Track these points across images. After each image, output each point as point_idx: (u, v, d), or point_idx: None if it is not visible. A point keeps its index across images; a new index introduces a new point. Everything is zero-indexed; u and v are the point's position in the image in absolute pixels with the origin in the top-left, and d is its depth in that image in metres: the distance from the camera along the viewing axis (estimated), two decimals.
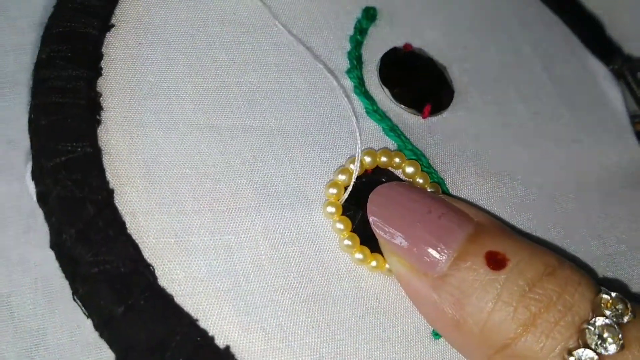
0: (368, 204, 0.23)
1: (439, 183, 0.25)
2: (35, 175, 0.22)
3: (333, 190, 0.24)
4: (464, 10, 0.31)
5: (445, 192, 0.25)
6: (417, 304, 0.22)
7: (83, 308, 0.21)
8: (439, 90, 0.27)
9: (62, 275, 0.29)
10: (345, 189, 0.24)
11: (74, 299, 0.22)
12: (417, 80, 0.27)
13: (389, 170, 0.25)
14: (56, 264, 0.30)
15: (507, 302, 0.20)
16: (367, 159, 0.24)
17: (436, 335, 0.23)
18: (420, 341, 0.23)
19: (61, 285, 0.30)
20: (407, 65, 0.27)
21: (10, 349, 0.29)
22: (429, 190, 0.24)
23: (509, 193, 0.26)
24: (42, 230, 0.30)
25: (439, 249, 0.21)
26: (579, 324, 0.20)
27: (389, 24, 0.28)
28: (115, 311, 0.21)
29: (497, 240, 0.21)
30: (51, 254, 0.30)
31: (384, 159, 0.25)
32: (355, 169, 0.24)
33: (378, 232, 0.22)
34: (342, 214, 0.24)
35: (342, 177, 0.24)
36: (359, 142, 0.24)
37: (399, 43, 0.28)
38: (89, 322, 0.30)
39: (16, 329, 0.29)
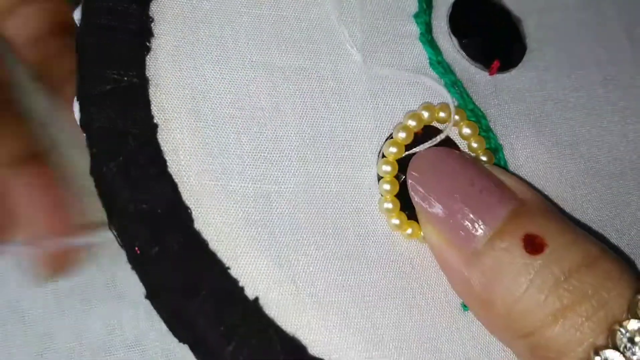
0: (409, 167, 0.22)
1: (496, 149, 0.24)
2: (80, 101, 0.22)
3: (393, 149, 0.22)
4: None
5: (501, 160, 0.24)
6: (447, 276, 0.22)
7: (118, 239, 0.21)
8: (511, 45, 0.26)
9: (71, 278, 0.30)
10: (405, 147, 0.23)
11: (110, 228, 0.21)
12: (488, 32, 0.25)
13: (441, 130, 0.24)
14: None
15: (539, 289, 0.19)
16: (425, 114, 0.23)
17: (465, 307, 0.22)
18: (449, 311, 0.22)
19: (70, 289, 0.30)
20: (480, 14, 0.25)
21: (20, 352, 0.29)
22: (482, 158, 0.23)
23: (568, 166, 0.25)
24: None
25: (476, 225, 0.20)
26: (611, 323, 0.19)
27: None
28: (149, 251, 0.20)
29: (538, 222, 0.20)
30: None
31: (442, 114, 0.23)
32: (449, 126, 0.23)
33: (415, 198, 0.22)
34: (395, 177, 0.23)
35: (402, 135, 0.23)
36: (448, 97, 0.23)
37: None
38: (98, 326, 0.31)
39: (26, 333, 0.29)
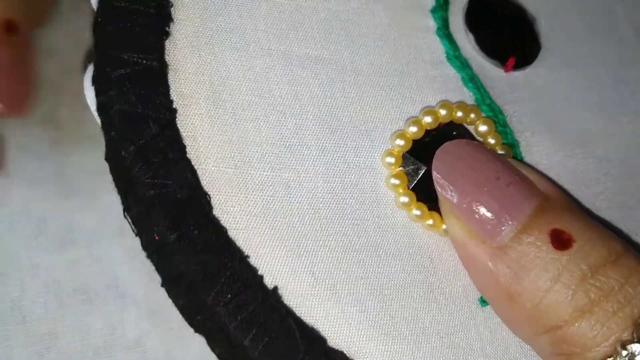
0: (434, 159, 0.22)
1: (512, 145, 0.24)
2: (97, 84, 0.21)
3: (400, 142, 0.22)
4: None
5: (518, 156, 0.24)
6: (469, 269, 0.22)
7: (133, 226, 0.21)
8: (526, 43, 0.26)
9: (73, 278, 0.29)
10: (414, 142, 0.23)
11: (124, 216, 0.21)
12: (504, 29, 0.26)
13: (461, 125, 0.24)
14: (67, 268, 0.30)
15: (567, 284, 0.20)
16: (443, 112, 0.23)
17: (483, 302, 0.22)
18: (467, 306, 0.22)
19: (72, 289, 0.30)
20: (497, 11, 0.26)
21: (22, 352, 0.29)
22: (499, 152, 0.23)
23: (581, 165, 0.25)
24: (52, 234, 0.30)
25: (503, 219, 0.20)
26: (637, 318, 0.19)
27: None
28: (167, 237, 0.20)
29: (564, 218, 0.21)
30: (62, 258, 0.31)
31: (460, 114, 0.23)
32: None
33: (440, 191, 0.21)
34: (405, 168, 0.23)
35: (412, 129, 0.23)
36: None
37: None
38: (100, 326, 0.30)
39: (27, 333, 0.29)
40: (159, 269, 0.20)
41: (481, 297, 0.22)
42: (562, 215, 0.21)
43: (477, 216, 0.21)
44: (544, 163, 0.25)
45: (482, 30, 0.25)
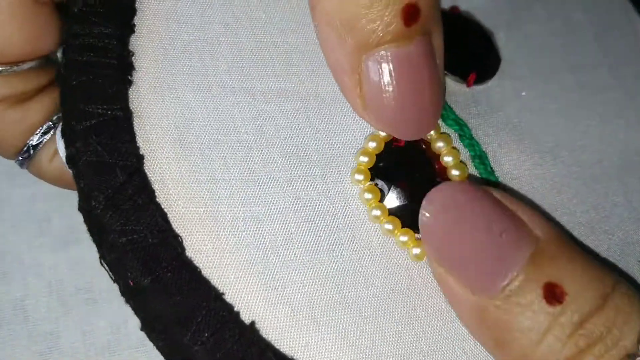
0: (421, 209, 0.21)
1: (481, 157, 0.24)
2: (65, 137, 0.22)
3: (364, 159, 0.23)
4: None
5: (487, 167, 0.24)
6: (457, 312, 0.22)
7: (110, 273, 0.21)
8: (485, 57, 0.26)
9: (76, 278, 0.29)
10: (377, 156, 0.23)
11: (101, 263, 0.21)
12: (462, 46, 0.26)
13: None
14: (69, 267, 0.30)
15: (558, 337, 0.20)
16: (383, 133, 0.23)
17: None
18: (451, 321, 0.22)
19: (75, 288, 0.30)
20: (453, 29, 0.25)
21: (25, 352, 0.29)
22: (454, 172, 0.23)
23: (550, 171, 0.25)
24: (55, 234, 0.30)
25: (494, 272, 0.20)
26: (624, 356, 0.20)
27: None
28: (142, 282, 0.20)
29: (556, 264, 0.20)
30: (64, 257, 0.31)
31: None
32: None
33: (427, 243, 0.21)
34: (374, 184, 0.23)
35: (372, 145, 0.23)
36: None
37: (446, 5, 0.27)
38: (102, 325, 0.30)
39: (30, 333, 0.29)
40: (136, 314, 0.21)
41: None
42: (555, 261, 0.20)
43: (466, 271, 0.21)
44: (514, 173, 0.25)
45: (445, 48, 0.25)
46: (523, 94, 0.26)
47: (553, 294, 0.20)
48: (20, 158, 0.26)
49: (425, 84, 0.21)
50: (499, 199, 0.21)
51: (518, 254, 0.20)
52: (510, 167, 0.25)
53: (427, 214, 0.21)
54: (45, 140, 0.26)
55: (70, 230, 0.30)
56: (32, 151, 0.26)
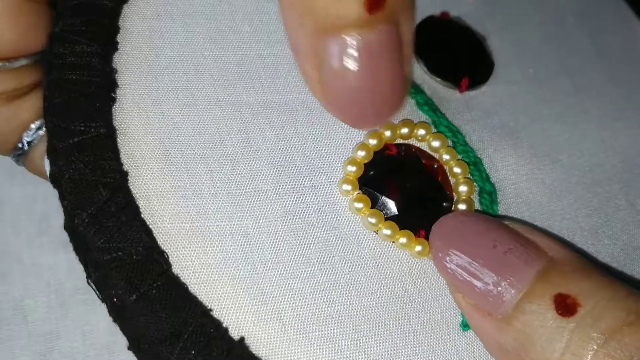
0: (431, 237, 0.21)
1: (476, 163, 0.24)
2: (49, 156, 0.22)
3: (351, 168, 0.22)
4: None
5: (483, 173, 0.24)
6: (482, 340, 0.21)
7: (97, 292, 0.21)
8: (478, 62, 0.26)
9: (75, 278, 0.29)
10: (365, 165, 0.23)
11: (88, 282, 0.21)
12: (454, 52, 0.26)
13: (410, 144, 0.24)
14: (69, 268, 0.30)
15: (576, 355, 0.18)
16: (387, 133, 0.23)
17: (465, 326, 0.22)
18: (448, 332, 0.22)
19: (74, 289, 0.30)
20: (444, 35, 0.25)
21: (25, 352, 0.29)
22: (455, 169, 0.23)
23: (549, 175, 0.25)
24: (55, 234, 0.30)
25: (502, 289, 0.20)
26: None
27: None
28: (127, 299, 0.20)
29: (570, 279, 0.19)
30: (64, 258, 0.30)
31: (404, 130, 0.23)
32: None
33: (441, 268, 0.21)
34: (363, 193, 0.23)
35: (361, 154, 0.23)
36: None
37: (437, 11, 0.26)
38: (102, 326, 0.30)
39: (30, 333, 0.29)
40: (123, 332, 0.21)
41: (462, 321, 0.22)
42: (569, 276, 0.20)
43: (477, 290, 0.20)
44: (512, 178, 0.24)
45: (432, 55, 0.25)
46: (519, 97, 0.26)
47: (564, 305, 0.19)
48: (16, 155, 0.26)
49: (386, 74, 0.21)
50: (508, 225, 0.21)
51: (524, 270, 0.20)
52: (508, 173, 0.24)
53: (437, 241, 0.21)
54: (38, 136, 0.26)
55: None
56: (26, 147, 0.26)
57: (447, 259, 0.21)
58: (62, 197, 0.21)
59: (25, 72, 0.25)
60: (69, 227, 0.21)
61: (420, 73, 0.25)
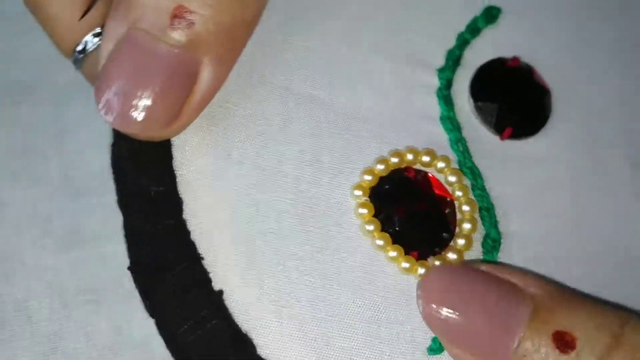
0: (418, 295, 0.22)
1: (488, 208, 0.24)
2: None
3: (367, 177, 0.24)
4: (602, 31, 0.27)
5: (492, 218, 0.24)
6: None
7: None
8: (532, 113, 0.25)
9: (78, 279, 0.29)
10: (381, 178, 0.24)
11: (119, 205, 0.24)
12: (510, 98, 0.25)
13: (428, 173, 0.24)
14: (72, 269, 0.30)
15: None
16: (409, 156, 0.24)
17: (432, 351, 0.23)
18: (412, 352, 0.23)
19: (77, 290, 0.30)
20: (506, 79, 0.25)
21: (27, 353, 0.29)
22: (464, 207, 0.24)
23: (567, 244, 0.24)
24: (58, 235, 0.30)
25: (502, 340, 0.21)
26: None
27: (509, 29, 0.26)
28: (141, 227, 0.23)
29: (559, 314, 0.21)
30: (66, 259, 0.30)
31: (425, 158, 0.24)
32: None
33: (432, 329, 0.22)
34: (369, 202, 0.24)
35: (379, 167, 0.24)
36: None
37: (511, 53, 0.26)
38: (105, 327, 0.30)
39: (33, 334, 0.29)
40: (128, 252, 0.23)
41: (431, 346, 0.22)
42: (557, 311, 0.21)
43: (479, 347, 0.21)
44: (524, 234, 0.24)
45: (486, 96, 0.25)
46: (561, 160, 0.25)
47: (563, 342, 0.20)
48: (76, 55, 0.26)
49: (157, 96, 0.21)
50: (488, 271, 0.22)
51: (518, 315, 0.21)
52: (520, 228, 0.24)
53: (423, 304, 0.22)
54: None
55: (73, 231, 0.30)
56: (89, 47, 0.26)
57: (438, 316, 0.21)
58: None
59: None
60: (112, 154, 0.24)
61: (468, 111, 0.25)
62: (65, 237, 0.30)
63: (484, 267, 0.22)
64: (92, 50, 0.25)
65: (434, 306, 0.21)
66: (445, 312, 0.21)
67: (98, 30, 0.24)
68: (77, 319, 0.29)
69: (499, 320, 0.21)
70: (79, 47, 0.25)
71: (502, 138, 0.25)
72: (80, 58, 0.26)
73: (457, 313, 0.21)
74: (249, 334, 0.22)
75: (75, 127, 0.30)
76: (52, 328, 0.29)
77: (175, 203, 0.23)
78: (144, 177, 0.23)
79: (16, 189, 0.31)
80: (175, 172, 0.23)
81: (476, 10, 0.26)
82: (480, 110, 0.25)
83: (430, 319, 0.22)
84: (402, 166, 0.24)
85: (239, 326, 0.22)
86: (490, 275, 0.22)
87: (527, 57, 0.26)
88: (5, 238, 0.30)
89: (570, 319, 0.20)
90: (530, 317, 0.21)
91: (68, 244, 0.30)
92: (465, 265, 0.23)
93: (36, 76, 0.31)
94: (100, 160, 0.30)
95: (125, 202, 0.23)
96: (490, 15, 0.26)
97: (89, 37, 0.25)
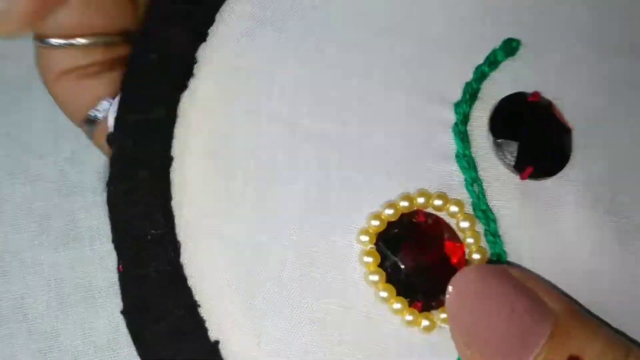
0: (447, 293, 0.21)
1: (499, 255, 0.23)
2: (116, 121, 0.23)
3: (375, 222, 0.22)
4: (628, 70, 0.25)
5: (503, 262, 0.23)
6: None
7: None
8: (552, 152, 0.24)
9: (76, 276, 0.29)
10: (389, 223, 0.23)
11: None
12: (532, 136, 0.24)
13: (440, 218, 0.23)
14: (69, 266, 0.30)
15: None
16: (420, 200, 0.23)
17: None
18: None
19: (74, 287, 0.30)
20: (528, 116, 0.24)
21: (24, 350, 0.29)
22: (475, 256, 0.23)
23: (576, 296, 0.23)
24: (55, 232, 0.30)
25: (520, 352, 0.20)
26: None
27: (529, 63, 0.24)
28: (131, 271, 0.22)
29: (575, 338, 0.21)
30: (64, 256, 0.30)
31: (437, 202, 0.23)
32: None
33: (453, 326, 0.21)
34: (375, 249, 0.23)
35: (388, 212, 0.22)
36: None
37: (531, 88, 0.24)
38: (102, 324, 0.30)
39: (30, 331, 0.29)
40: (121, 297, 0.23)
41: None
42: (573, 333, 0.21)
43: (495, 354, 0.20)
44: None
45: (507, 134, 0.24)
46: (583, 205, 0.23)
47: None
48: (85, 125, 0.27)
49: None
50: (517, 278, 0.22)
51: (540, 332, 0.20)
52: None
53: (452, 298, 0.21)
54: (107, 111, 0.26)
55: (70, 228, 0.30)
56: (97, 117, 0.26)
57: (463, 316, 0.21)
58: (109, 164, 0.23)
59: (110, 49, 0.26)
60: (106, 188, 0.23)
61: (487, 148, 0.24)
62: (63, 234, 0.30)
63: (514, 272, 0.22)
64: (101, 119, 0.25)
65: (463, 300, 0.21)
66: (471, 310, 0.21)
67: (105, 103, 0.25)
68: (75, 316, 0.30)
69: (521, 331, 0.20)
70: (89, 117, 0.26)
71: (522, 178, 0.23)
72: (91, 125, 0.26)
73: (483, 314, 0.21)
74: None
75: (72, 126, 0.30)
76: (49, 325, 0.29)
77: (172, 247, 0.22)
78: (140, 220, 0.22)
79: (13, 186, 0.31)
80: (173, 213, 0.22)
81: (495, 42, 0.24)
82: (499, 148, 0.24)
83: (454, 316, 0.21)
84: (412, 209, 0.23)
85: None
86: (520, 283, 0.21)
87: (547, 93, 0.24)
88: (2, 235, 0.30)
89: (583, 344, 0.20)
90: (550, 335, 0.20)
91: (65, 241, 0.30)
92: (498, 269, 0.22)
93: (33, 75, 0.31)
94: (96, 158, 0.30)
95: (120, 243, 0.22)
96: (510, 47, 0.24)
97: (96, 110, 0.25)
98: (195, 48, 0.23)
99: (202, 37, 0.23)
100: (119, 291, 0.24)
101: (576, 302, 0.23)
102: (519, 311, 0.21)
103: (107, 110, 0.25)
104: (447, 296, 0.21)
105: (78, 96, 0.26)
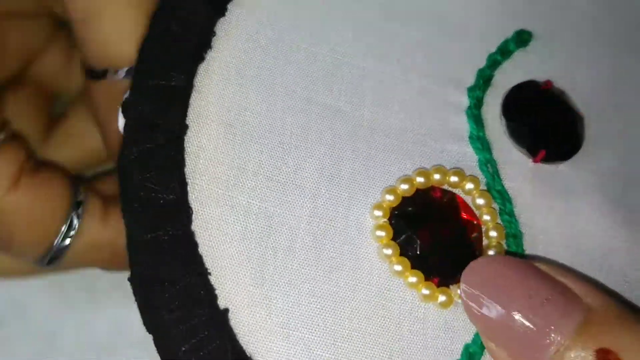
0: (461, 284, 0.21)
1: (515, 236, 0.23)
2: (131, 88, 0.23)
3: (389, 197, 0.23)
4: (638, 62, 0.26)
5: (519, 248, 0.23)
6: None
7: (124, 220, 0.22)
8: (565, 137, 0.25)
9: (76, 277, 0.29)
10: (404, 199, 0.23)
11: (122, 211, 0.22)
12: (544, 121, 0.24)
13: (456, 195, 0.23)
14: None
15: None
16: (436, 176, 0.23)
17: None
18: None
19: (75, 288, 0.30)
20: (538, 102, 0.25)
21: (24, 350, 0.29)
22: (491, 233, 0.23)
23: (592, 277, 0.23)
24: None
25: (541, 343, 0.19)
26: None
27: (541, 53, 0.25)
28: (143, 236, 0.22)
29: (610, 332, 0.19)
30: None
31: (454, 178, 0.23)
32: None
33: (472, 316, 0.21)
34: (388, 223, 0.23)
35: (403, 187, 0.23)
36: None
37: (542, 77, 0.25)
38: (102, 325, 0.30)
39: (30, 331, 0.29)
40: (130, 264, 0.22)
41: None
42: (609, 329, 0.20)
43: (516, 345, 0.20)
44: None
45: (517, 117, 0.24)
46: (594, 192, 0.24)
47: None
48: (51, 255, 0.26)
49: None
50: (544, 270, 0.21)
51: (565, 322, 0.19)
52: (544, 256, 0.23)
53: (469, 288, 0.21)
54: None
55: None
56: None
57: (479, 307, 0.20)
58: (125, 131, 0.23)
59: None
60: (120, 156, 0.22)
61: (499, 132, 0.24)
62: None
63: (544, 267, 0.21)
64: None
65: (476, 298, 0.20)
66: (485, 306, 0.20)
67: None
68: (75, 316, 0.30)
69: (543, 322, 0.19)
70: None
71: (534, 161, 0.24)
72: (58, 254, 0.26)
73: (499, 305, 0.20)
74: (253, 357, 0.21)
75: None
76: (49, 325, 0.29)
77: (184, 213, 0.22)
78: (153, 184, 0.22)
79: None
80: (187, 180, 0.22)
81: (509, 32, 0.25)
82: (512, 131, 0.24)
83: (470, 311, 0.21)
84: (428, 186, 0.23)
85: (244, 348, 0.21)
86: (542, 273, 0.21)
87: (558, 83, 0.25)
88: None
89: (622, 340, 0.19)
90: (580, 327, 0.19)
91: None
92: (519, 260, 0.21)
93: None
94: None
95: (129, 209, 0.22)
96: (521, 39, 0.25)
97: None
98: (213, 22, 0.23)
99: (222, 11, 0.24)
100: (120, 286, 0.24)
101: (617, 295, 0.23)
102: (537, 300, 0.20)
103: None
104: (461, 285, 0.21)
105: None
